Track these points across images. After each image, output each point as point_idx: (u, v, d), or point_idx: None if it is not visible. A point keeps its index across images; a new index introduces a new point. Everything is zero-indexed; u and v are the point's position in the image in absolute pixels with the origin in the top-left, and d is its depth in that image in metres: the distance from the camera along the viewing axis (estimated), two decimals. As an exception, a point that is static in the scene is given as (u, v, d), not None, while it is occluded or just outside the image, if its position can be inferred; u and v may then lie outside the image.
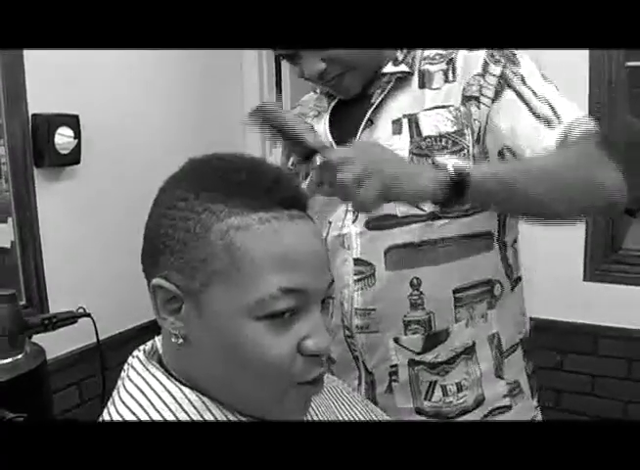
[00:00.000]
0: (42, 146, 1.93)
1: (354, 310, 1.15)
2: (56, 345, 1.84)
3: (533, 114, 1.05)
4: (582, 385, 2.51)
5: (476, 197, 0.90)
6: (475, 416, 1.18)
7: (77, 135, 2.01)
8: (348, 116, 1.19)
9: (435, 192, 0.87)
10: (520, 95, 1.07)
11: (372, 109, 1.14)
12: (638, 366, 2.41)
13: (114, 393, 0.72)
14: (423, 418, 1.17)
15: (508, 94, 1.07)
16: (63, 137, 1.96)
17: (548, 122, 1.03)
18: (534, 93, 1.06)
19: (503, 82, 1.07)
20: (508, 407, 1.21)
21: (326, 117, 1.22)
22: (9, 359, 1.44)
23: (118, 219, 2.15)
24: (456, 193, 0.88)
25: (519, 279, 1.25)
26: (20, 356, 1.47)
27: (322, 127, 1.22)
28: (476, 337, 1.17)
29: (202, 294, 0.66)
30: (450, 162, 0.88)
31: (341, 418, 0.86)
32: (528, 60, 1.10)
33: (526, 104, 1.06)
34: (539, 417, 1.29)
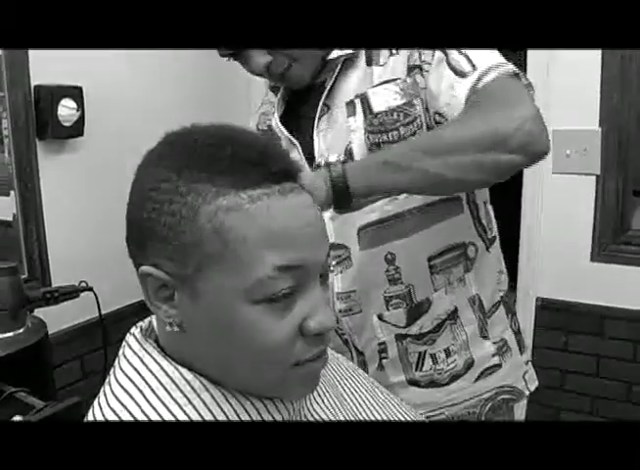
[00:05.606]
0: (45, 118, 1.90)
1: (336, 295, 1.16)
2: (58, 319, 1.84)
3: (452, 68, 1.02)
4: (587, 366, 2.50)
5: (360, 190, 0.94)
6: (467, 380, 1.19)
7: (81, 107, 1.98)
8: (304, 105, 1.18)
9: (328, 193, 0.93)
10: (445, 52, 1.04)
11: (325, 93, 1.13)
12: (644, 348, 2.40)
13: (111, 371, 0.70)
14: (416, 389, 1.18)
15: (437, 54, 1.05)
16: (66, 109, 1.93)
17: (463, 75, 1.00)
18: (459, 48, 1.03)
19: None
20: (498, 366, 1.22)
21: (276, 115, 1.22)
22: (10, 333, 1.43)
23: (122, 193, 2.12)
24: (342, 194, 0.93)
25: (494, 239, 1.25)
26: (21, 330, 1.46)
27: (273, 123, 1.21)
28: (456, 301, 1.18)
29: (195, 280, 0.62)
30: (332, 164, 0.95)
31: (345, 395, 0.86)
32: None
33: (448, 61, 1.03)
34: (531, 372, 1.29)
